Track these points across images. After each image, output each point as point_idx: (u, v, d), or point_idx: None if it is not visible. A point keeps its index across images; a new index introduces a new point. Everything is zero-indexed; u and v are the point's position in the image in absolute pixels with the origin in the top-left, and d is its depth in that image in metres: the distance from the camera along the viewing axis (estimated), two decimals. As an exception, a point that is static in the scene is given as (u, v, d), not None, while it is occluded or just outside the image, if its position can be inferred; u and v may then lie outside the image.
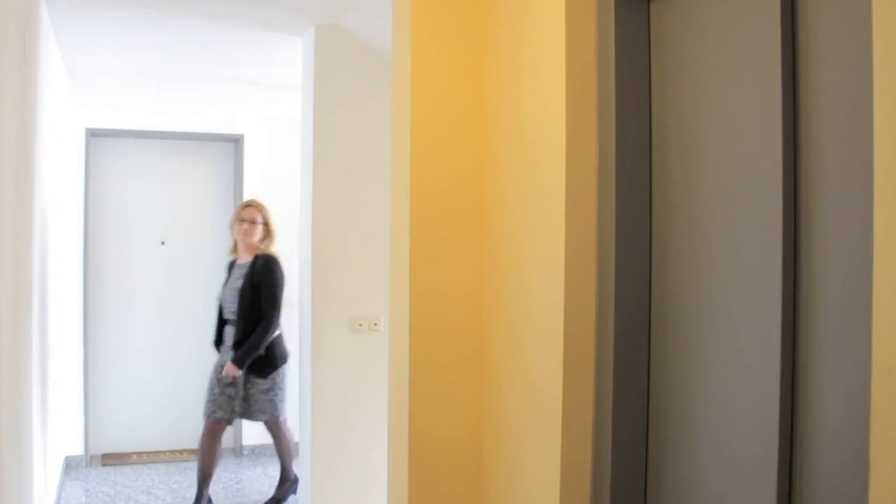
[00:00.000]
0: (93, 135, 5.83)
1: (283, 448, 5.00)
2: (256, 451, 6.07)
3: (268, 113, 6.04)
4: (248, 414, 4.77)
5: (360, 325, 4.34)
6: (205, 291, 6.17)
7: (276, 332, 4.84)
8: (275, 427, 4.96)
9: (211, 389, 4.79)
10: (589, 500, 2.13)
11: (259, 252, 4.83)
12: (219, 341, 4.92)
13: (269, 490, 5.26)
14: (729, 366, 1.87)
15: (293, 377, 4.99)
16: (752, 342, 1.82)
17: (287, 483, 5.04)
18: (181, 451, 6.05)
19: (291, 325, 5.94)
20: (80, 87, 5.64)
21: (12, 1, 2.64)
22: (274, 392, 4.81)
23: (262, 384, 4.76)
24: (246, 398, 4.73)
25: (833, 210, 1.66)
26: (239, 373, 4.65)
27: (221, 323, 4.91)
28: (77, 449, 5.71)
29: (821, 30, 1.69)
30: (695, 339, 1.97)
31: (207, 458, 4.70)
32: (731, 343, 1.88)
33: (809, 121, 1.72)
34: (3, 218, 2.54)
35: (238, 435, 6.08)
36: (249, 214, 4.86)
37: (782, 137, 1.76)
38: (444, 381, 2.56)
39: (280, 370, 4.85)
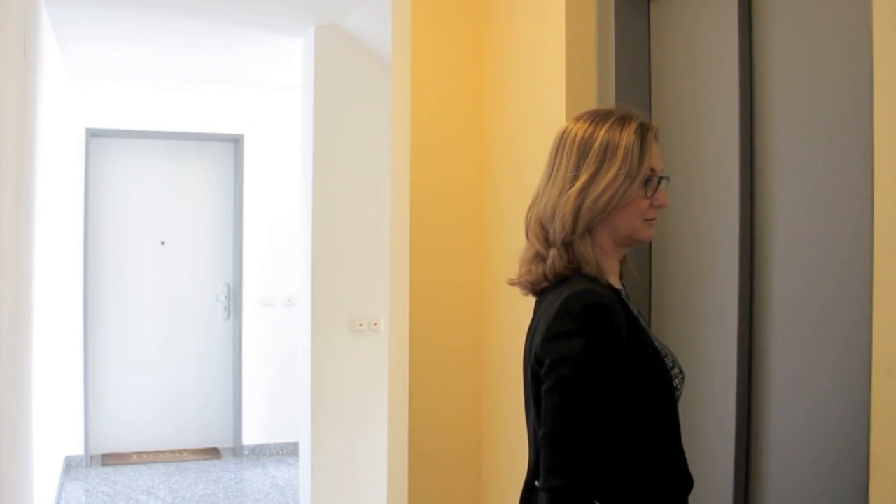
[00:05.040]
0: (93, 135, 5.83)
1: None
2: (256, 451, 6.07)
3: (268, 113, 6.04)
4: None
5: (360, 325, 4.34)
6: (205, 291, 6.17)
7: None
8: None
9: None
10: None
11: None
12: None
13: (270, 490, 5.26)
14: (693, 361, 1.89)
15: (293, 377, 4.98)
16: (713, 336, 1.87)
17: None
18: (181, 451, 6.05)
19: (292, 325, 5.95)
20: (80, 87, 5.64)
21: (12, 1, 2.64)
22: None
23: None
24: None
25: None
26: None
27: None
28: (77, 449, 5.71)
29: (776, 35, 1.70)
30: (691, 335, 1.97)
31: None
32: (696, 338, 1.91)
33: (764, 125, 1.72)
34: (3, 218, 2.54)
35: (238, 435, 6.08)
36: None
37: (739, 141, 1.80)
38: (443, 380, 2.56)
39: None
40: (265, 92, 6.00)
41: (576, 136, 1.40)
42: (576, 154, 1.38)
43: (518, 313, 2.38)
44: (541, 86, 2.26)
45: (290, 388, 5.78)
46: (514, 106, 2.42)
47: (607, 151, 1.36)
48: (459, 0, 2.59)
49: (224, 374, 6.20)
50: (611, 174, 1.35)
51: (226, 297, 6.18)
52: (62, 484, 5.26)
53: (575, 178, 1.37)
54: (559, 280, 1.39)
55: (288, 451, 6.07)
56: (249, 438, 6.06)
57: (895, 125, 1.29)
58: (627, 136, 1.37)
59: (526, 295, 1.50)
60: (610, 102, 2.10)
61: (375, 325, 4.37)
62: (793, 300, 1.72)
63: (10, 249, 2.70)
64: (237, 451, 6.10)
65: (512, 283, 1.51)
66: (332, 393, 4.29)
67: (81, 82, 5.62)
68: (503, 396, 2.46)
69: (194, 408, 6.15)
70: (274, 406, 6.07)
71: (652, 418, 1.34)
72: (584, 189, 1.36)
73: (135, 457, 5.92)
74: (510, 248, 2.43)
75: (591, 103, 2.13)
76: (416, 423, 2.52)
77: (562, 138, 1.43)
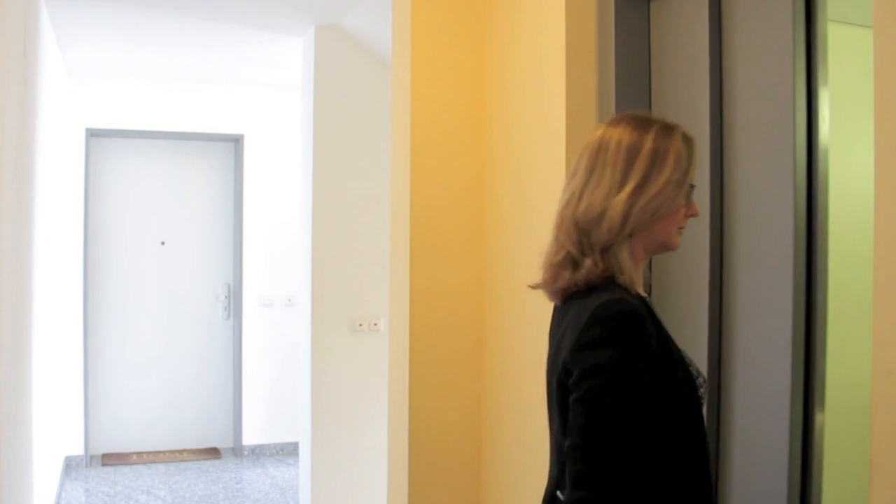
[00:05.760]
0: (93, 135, 5.83)
1: None
2: (256, 451, 6.07)
3: (268, 113, 6.04)
4: None
5: (360, 325, 4.34)
6: (205, 291, 6.17)
7: None
8: None
9: None
10: None
11: None
12: None
13: (270, 490, 5.26)
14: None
15: (293, 377, 4.98)
16: (687, 333, 1.88)
17: None
18: (181, 451, 6.05)
19: (292, 325, 5.95)
20: (80, 87, 5.64)
21: (12, 1, 2.64)
22: None
23: None
24: None
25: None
26: None
27: None
28: (77, 449, 5.71)
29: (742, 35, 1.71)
30: (683, 335, 1.97)
31: None
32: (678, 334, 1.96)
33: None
34: (3, 218, 2.54)
35: (238, 435, 6.08)
36: None
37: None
38: (443, 380, 2.56)
39: None
40: (265, 92, 6.00)
41: (620, 140, 1.38)
42: (623, 159, 1.37)
43: (518, 313, 2.38)
44: (541, 85, 2.25)
45: (290, 388, 5.78)
46: (514, 104, 2.42)
47: (657, 158, 1.36)
48: (459, 0, 2.59)
49: (224, 374, 6.20)
50: (661, 181, 1.35)
51: (226, 297, 6.18)
52: (62, 484, 5.26)
53: (623, 183, 1.35)
54: (589, 288, 1.37)
55: (288, 451, 6.07)
56: (249, 438, 6.06)
57: (895, 125, 1.29)
58: (676, 144, 1.37)
59: (551, 300, 1.46)
60: (610, 102, 2.10)
61: (375, 325, 4.37)
62: (757, 294, 1.75)
63: (10, 249, 2.69)
64: (237, 451, 6.10)
65: (537, 288, 1.47)
66: (332, 393, 4.29)
67: (81, 82, 5.62)
68: (503, 396, 2.46)
69: (194, 408, 6.15)
70: (274, 406, 6.07)
71: (681, 428, 1.33)
72: (635, 194, 1.34)
73: (135, 457, 5.92)
74: (510, 247, 2.43)
75: (591, 103, 2.13)
76: (416, 423, 2.52)
77: (602, 141, 1.40)
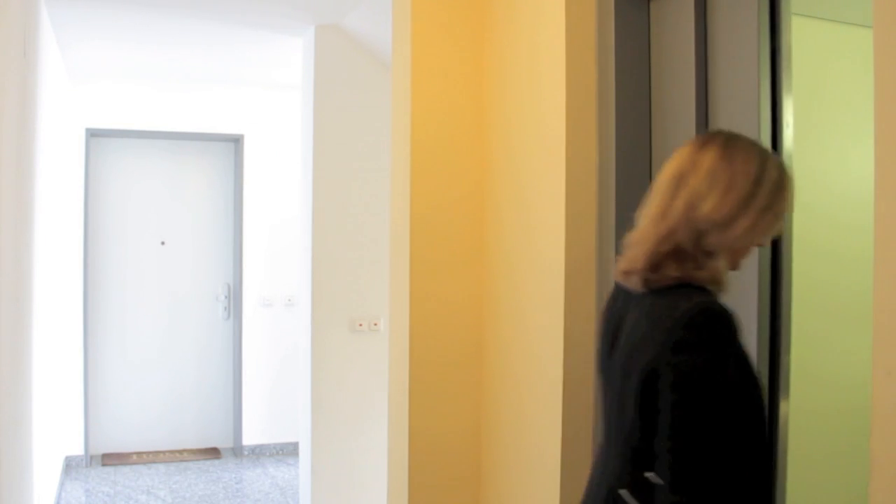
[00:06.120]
0: (93, 135, 5.83)
1: None
2: (256, 451, 6.07)
3: (268, 113, 6.04)
4: None
5: (360, 325, 4.34)
6: (205, 291, 6.17)
7: None
8: None
9: None
10: (589, 500, 2.13)
11: None
12: None
13: (270, 490, 5.26)
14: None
15: (293, 377, 4.98)
16: None
17: None
18: (181, 451, 6.05)
19: (292, 325, 5.95)
20: (80, 87, 5.64)
21: (12, 1, 2.64)
22: None
23: None
24: None
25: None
26: None
27: None
28: (77, 449, 5.71)
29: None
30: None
31: None
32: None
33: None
34: (3, 218, 2.54)
35: (238, 435, 6.08)
36: None
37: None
38: (443, 380, 2.56)
39: None
40: (265, 92, 6.00)
41: (747, 160, 1.41)
42: (752, 180, 1.40)
43: (518, 312, 2.38)
44: (541, 85, 2.25)
45: (290, 388, 5.78)
46: (515, 104, 2.42)
47: (777, 189, 1.41)
48: (459, 0, 2.59)
49: (224, 374, 6.20)
50: (777, 210, 1.41)
51: (226, 297, 6.18)
52: (62, 484, 5.26)
53: (750, 200, 1.39)
54: (676, 286, 1.39)
55: (288, 451, 6.07)
56: (249, 438, 6.06)
57: (895, 125, 1.29)
58: (789, 182, 1.44)
59: (629, 286, 1.46)
60: (610, 103, 2.10)
61: (375, 325, 4.37)
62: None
63: (10, 249, 2.69)
64: (237, 451, 6.10)
65: (627, 274, 1.46)
66: (332, 393, 4.29)
67: (81, 82, 5.62)
68: (503, 396, 2.45)
69: (194, 408, 6.15)
70: (274, 406, 6.07)
71: (760, 433, 1.35)
72: (760, 215, 1.39)
73: (135, 457, 5.92)
74: (510, 246, 2.43)
75: (592, 103, 2.13)
76: (416, 423, 2.52)
77: (727, 151, 1.42)
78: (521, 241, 2.36)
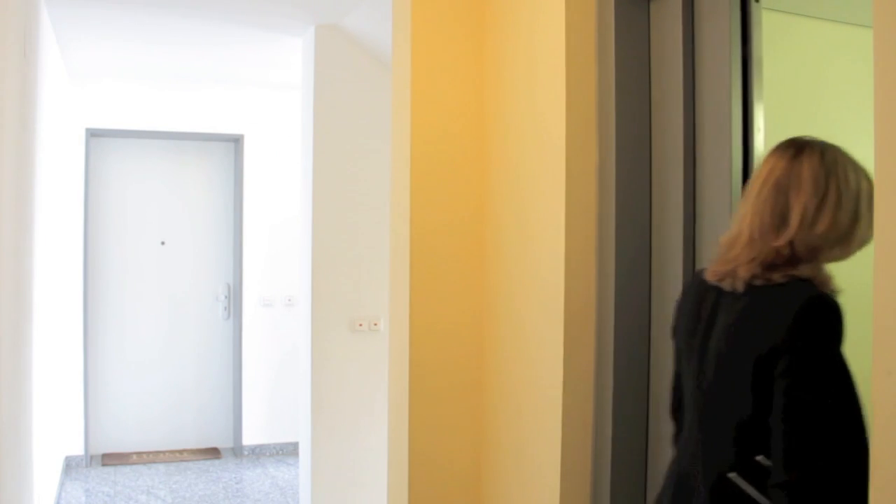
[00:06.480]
0: (93, 135, 5.83)
1: None
2: (256, 451, 6.07)
3: (268, 113, 6.05)
4: None
5: (360, 325, 4.34)
6: (205, 291, 6.17)
7: None
8: None
9: None
10: (589, 502, 2.13)
11: None
12: None
13: (270, 490, 5.26)
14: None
15: (293, 377, 4.98)
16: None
17: None
18: (181, 451, 6.05)
19: (292, 325, 5.95)
20: (80, 87, 5.64)
21: (12, 1, 2.64)
22: None
23: None
24: None
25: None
26: None
27: None
28: (77, 449, 5.71)
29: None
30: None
31: None
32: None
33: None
34: (3, 218, 2.54)
35: (238, 435, 6.08)
36: None
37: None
38: (443, 381, 2.56)
39: None
40: (265, 92, 6.00)
41: (847, 174, 1.46)
42: (854, 196, 1.46)
43: (518, 312, 2.38)
44: (540, 84, 2.25)
45: (290, 388, 5.78)
46: (514, 104, 2.41)
47: (870, 202, 1.44)
48: (459, 0, 2.59)
49: (224, 374, 6.20)
50: (868, 221, 1.45)
51: (226, 297, 6.18)
52: (62, 484, 5.26)
53: (857, 217, 1.45)
54: (783, 284, 1.44)
55: (288, 451, 6.07)
56: (249, 438, 6.06)
57: (895, 125, 1.29)
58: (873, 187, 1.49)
59: (730, 286, 1.50)
60: (610, 103, 2.10)
61: (375, 325, 4.37)
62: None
63: (10, 249, 2.70)
64: (237, 451, 6.10)
65: (727, 275, 1.50)
66: (332, 393, 4.29)
67: (81, 82, 5.63)
68: (503, 396, 2.46)
69: (194, 408, 6.15)
70: (274, 406, 6.07)
71: (862, 420, 1.40)
72: (868, 227, 1.45)
73: (135, 457, 5.92)
74: (510, 246, 2.43)
75: (592, 104, 2.13)
76: (416, 423, 2.52)
77: (830, 166, 1.46)
78: (522, 240, 2.36)
